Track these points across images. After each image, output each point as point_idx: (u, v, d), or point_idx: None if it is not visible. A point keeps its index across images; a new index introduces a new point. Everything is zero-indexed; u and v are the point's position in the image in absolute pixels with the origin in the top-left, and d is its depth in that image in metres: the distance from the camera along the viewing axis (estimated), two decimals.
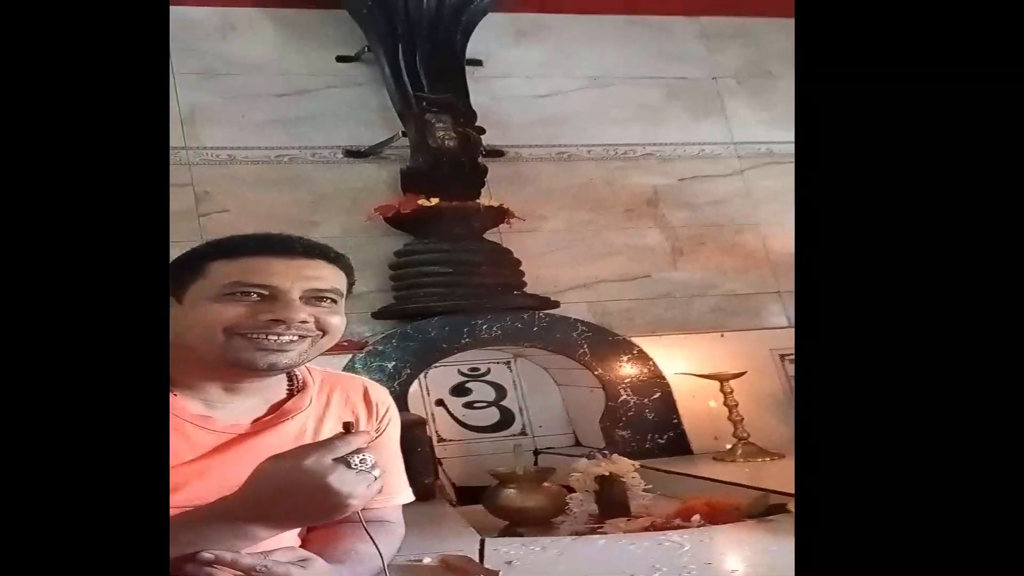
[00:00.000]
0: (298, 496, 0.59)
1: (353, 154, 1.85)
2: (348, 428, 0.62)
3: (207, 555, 0.59)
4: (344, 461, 0.59)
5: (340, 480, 0.58)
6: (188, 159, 1.76)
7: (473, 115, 1.82)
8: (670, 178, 2.04)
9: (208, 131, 1.80)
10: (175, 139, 1.75)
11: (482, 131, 1.83)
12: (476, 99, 1.86)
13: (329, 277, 0.71)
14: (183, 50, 1.81)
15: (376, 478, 0.60)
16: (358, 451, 0.59)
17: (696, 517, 0.95)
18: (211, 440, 0.69)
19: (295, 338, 0.68)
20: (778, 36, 2.13)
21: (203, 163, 1.77)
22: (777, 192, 2.03)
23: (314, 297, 0.70)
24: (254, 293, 0.68)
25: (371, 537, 0.65)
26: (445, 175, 1.73)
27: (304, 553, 0.64)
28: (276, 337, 0.67)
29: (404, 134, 1.81)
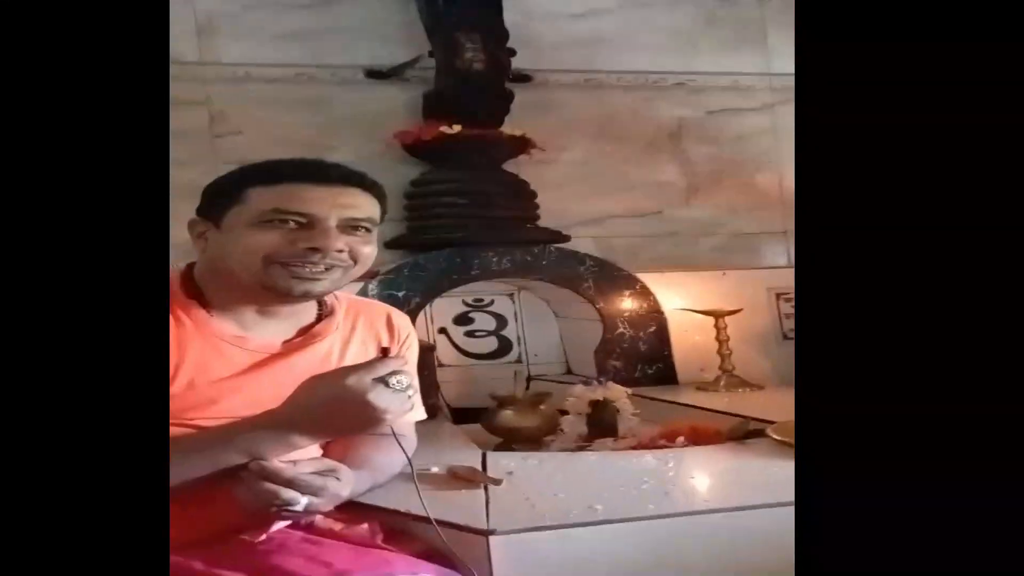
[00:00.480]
0: (341, 411, 0.65)
1: (375, 75, 1.81)
2: (385, 352, 0.68)
3: (255, 466, 0.65)
4: (383, 381, 0.65)
5: (378, 397, 0.64)
6: (204, 75, 1.74)
7: (505, 34, 1.74)
8: (697, 110, 1.98)
9: (225, 44, 1.76)
10: (190, 52, 1.72)
11: (513, 53, 1.76)
12: (508, 16, 1.77)
13: (364, 205, 0.74)
14: None
15: (409, 397, 0.67)
16: (395, 372, 0.65)
17: (680, 439, 1.04)
18: (245, 359, 0.75)
19: (329, 267, 0.72)
20: None
21: (218, 79, 1.75)
22: None
23: (350, 226, 0.73)
24: (292, 220, 0.71)
25: (402, 448, 0.72)
26: (470, 100, 1.68)
27: (331, 463, 0.71)
28: (312, 266, 0.71)
29: (431, 54, 1.74)
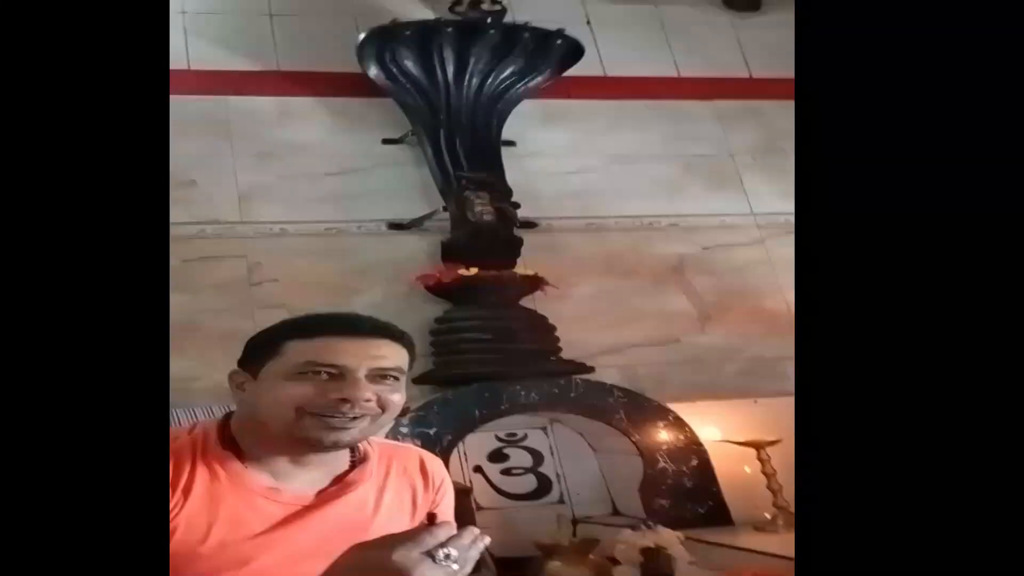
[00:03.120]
0: None
1: (396, 226, 1.97)
2: (432, 519, 0.64)
3: None
4: (431, 555, 0.59)
5: (423, 574, 0.58)
6: (244, 233, 1.88)
7: (509, 191, 1.95)
8: (694, 247, 2.13)
9: (263, 207, 1.93)
10: (232, 215, 1.88)
11: (517, 206, 1.95)
12: (510, 176, 1.99)
13: (393, 356, 0.74)
14: (242, 134, 1.98)
15: (455, 571, 0.60)
16: (443, 544, 0.60)
17: None
18: (278, 512, 0.70)
19: (358, 416, 0.70)
20: (788, 117, 2.27)
21: (257, 236, 1.88)
22: None
23: (379, 375, 0.72)
24: (324, 372, 0.70)
25: None
26: (483, 246, 1.83)
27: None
28: (341, 416, 0.70)
29: (445, 209, 1.93)
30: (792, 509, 1.42)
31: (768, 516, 1.43)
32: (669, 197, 2.18)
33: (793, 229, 2.17)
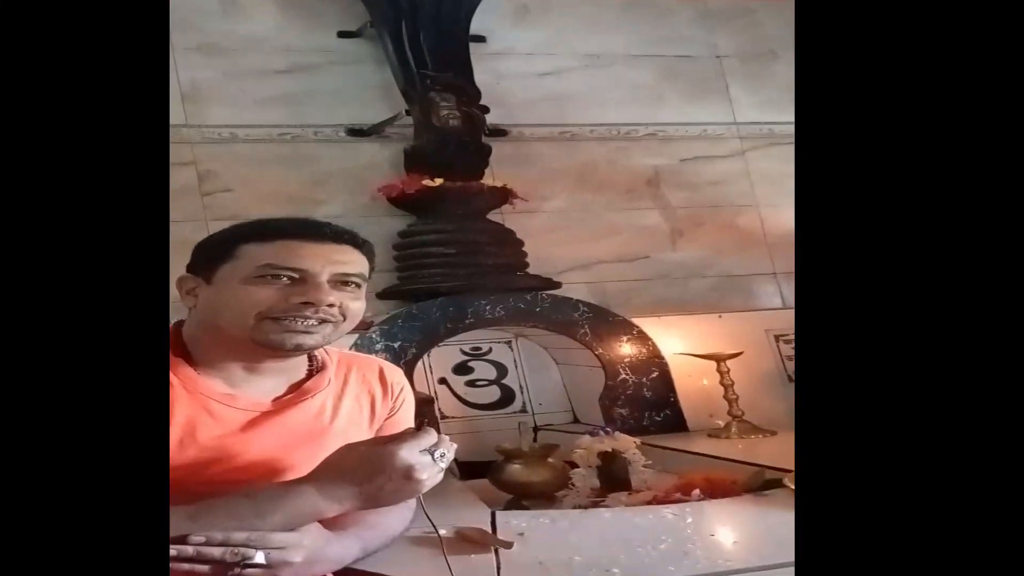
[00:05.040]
0: (384, 481, 0.63)
1: (356, 133, 1.85)
2: (420, 425, 0.67)
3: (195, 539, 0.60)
4: (430, 453, 0.64)
5: (423, 470, 0.63)
6: (190, 137, 1.75)
7: (477, 94, 1.81)
8: (671, 159, 2.06)
9: (209, 109, 1.78)
10: (176, 116, 1.74)
11: (486, 110, 1.82)
12: (479, 77, 1.85)
13: (355, 262, 0.74)
14: (183, 26, 1.79)
15: (442, 469, 0.65)
16: (438, 444, 0.65)
17: (696, 492, 0.99)
18: (236, 418, 0.71)
19: (321, 320, 0.71)
20: (779, 18, 2.13)
21: (205, 141, 1.76)
22: (777, 173, 2.04)
23: (340, 281, 0.72)
24: (285, 276, 0.70)
25: (427, 515, 0.69)
26: (449, 155, 1.73)
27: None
28: (304, 320, 0.70)
29: (408, 112, 1.80)
30: (746, 417, 1.48)
31: (721, 424, 1.49)
32: (648, 104, 2.07)
33: (777, 141, 2.12)
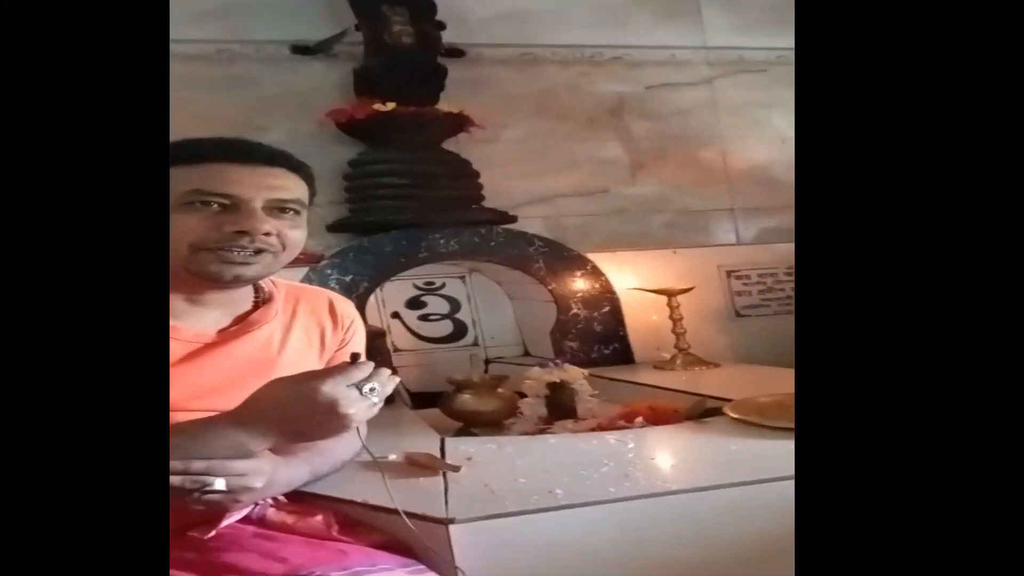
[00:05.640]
0: (310, 416, 0.62)
1: (301, 50, 1.71)
2: (355, 359, 0.65)
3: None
4: (357, 387, 0.62)
5: (350, 405, 0.61)
6: None
7: (433, 7, 1.69)
8: (636, 85, 1.99)
9: None
10: None
11: (442, 27, 1.71)
12: None
13: (292, 187, 0.69)
14: None
15: (375, 403, 0.63)
16: (368, 379, 0.63)
17: (639, 419, 1.03)
18: (179, 349, 0.69)
19: (259, 250, 0.68)
20: None
21: None
22: (743, 102, 2.00)
23: (277, 208, 0.68)
24: (215, 203, 0.66)
25: (366, 447, 0.69)
26: (402, 76, 1.63)
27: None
28: (240, 250, 0.67)
29: (357, 28, 1.66)
30: (691, 350, 1.54)
31: (667, 356, 1.55)
32: (615, 23, 1.96)
33: (746, 68, 2.07)
